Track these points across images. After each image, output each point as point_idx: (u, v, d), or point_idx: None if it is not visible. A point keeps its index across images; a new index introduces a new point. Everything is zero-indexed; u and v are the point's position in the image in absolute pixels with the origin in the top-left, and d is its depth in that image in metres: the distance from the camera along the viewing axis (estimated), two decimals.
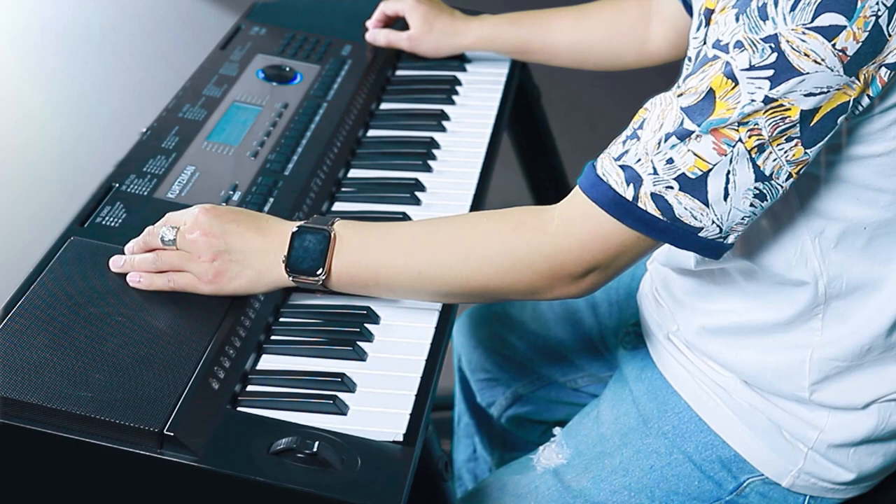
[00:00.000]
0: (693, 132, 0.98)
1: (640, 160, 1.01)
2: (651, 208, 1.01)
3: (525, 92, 1.80)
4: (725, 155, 0.98)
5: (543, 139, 1.92)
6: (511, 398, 1.64)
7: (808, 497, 1.21)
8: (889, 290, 1.11)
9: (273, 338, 1.14)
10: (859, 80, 0.97)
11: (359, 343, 1.12)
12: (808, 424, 1.17)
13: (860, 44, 0.94)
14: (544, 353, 1.58)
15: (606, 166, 1.04)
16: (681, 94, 1.00)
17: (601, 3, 1.58)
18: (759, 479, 1.20)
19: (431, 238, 1.13)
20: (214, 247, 1.10)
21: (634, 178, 1.01)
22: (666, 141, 1.00)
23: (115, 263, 1.13)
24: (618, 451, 1.25)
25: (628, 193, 1.02)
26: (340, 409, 1.04)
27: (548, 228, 1.07)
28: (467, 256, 1.10)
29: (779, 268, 1.12)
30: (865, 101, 1.00)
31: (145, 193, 1.26)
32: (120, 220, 1.21)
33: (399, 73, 1.66)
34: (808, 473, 1.19)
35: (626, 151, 1.03)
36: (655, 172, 1.00)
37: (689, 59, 1.12)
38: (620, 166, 1.02)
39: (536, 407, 1.63)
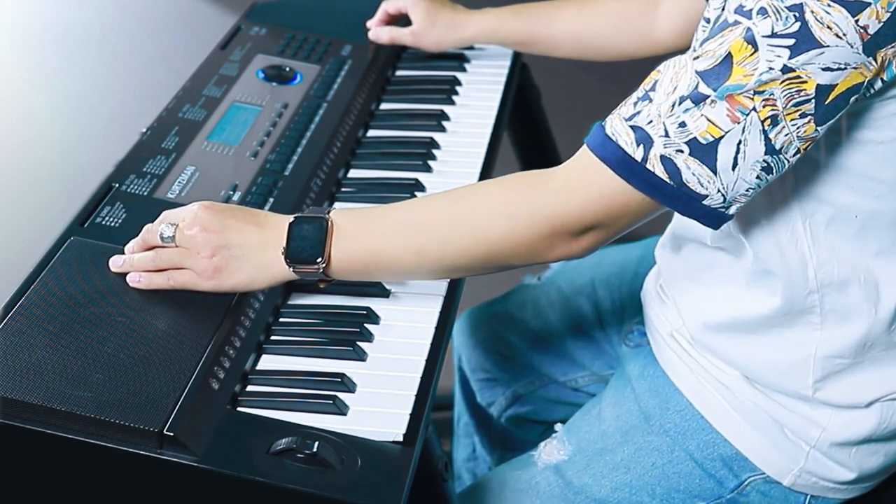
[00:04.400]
0: (708, 97, 0.98)
1: (651, 122, 1.01)
2: (659, 171, 1.01)
3: (525, 92, 1.80)
4: (738, 123, 0.98)
5: (543, 139, 1.92)
6: (511, 398, 1.64)
7: (808, 496, 1.21)
8: (885, 286, 1.11)
9: (273, 338, 1.14)
10: (876, 62, 0.97)
11: (359, 343, 1.12)
12: (810, 423, 1.17)
13: (881, 24, 0.94)
14: (545, 352, 1.58)
15: (616, 126, 1.03)
16: (697, 57, 1.00)
17: None
18: (760, 477, 1.20)
19: (428, 214, 1.13)
20: (214, 242, 1.10)
21: (645, 140, 1.01)
22: (680, 104, 0.99)
23: (115, 263, 1.13)
24: (619, 448, 1.25)
25: (638, 154, 1.02)
26: (340, 409, 1.04)
27: (549, 189, 1.07)
28: (466, 226, 1.10)
29: (771, 248, 1.12)
30: (878, 85, 1.00)
31: (145, 193, 1.26)
32: (120, 220, 1.21)
33: (399, 73, 1.66)
34: (810, 472, 1.19)
35: (638, 112, 1.02)
36: (667, 135, 1.00)
37: (707, 21, 1.11)
38: (631, 127, 1.02)
39: (536, 407, 1.63)
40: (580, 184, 1.05)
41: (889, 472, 1.24)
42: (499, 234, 1.09)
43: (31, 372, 0.99)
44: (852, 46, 0.95)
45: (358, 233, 1.12)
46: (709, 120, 0.99)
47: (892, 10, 0.94)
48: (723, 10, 1.05)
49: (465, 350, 1.68)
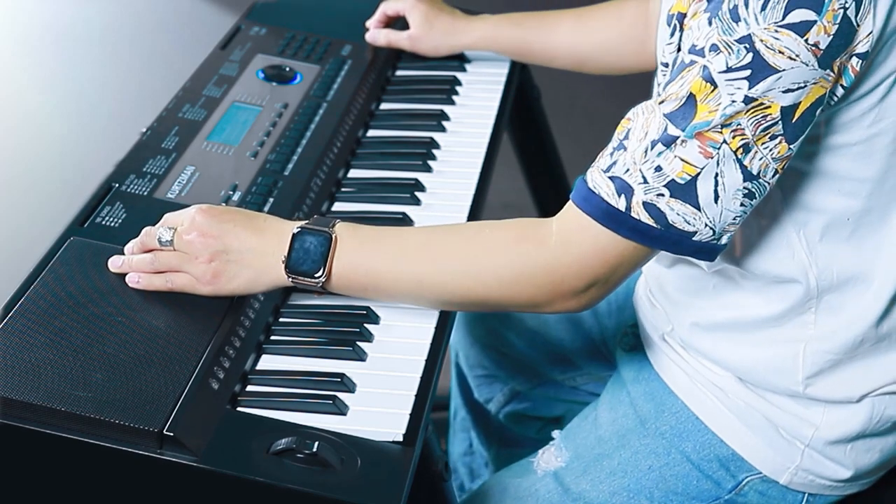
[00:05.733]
0: (678, 137, 0.99)
1: (628, 170, 1.02)
2: (644, 217, 1.02)
3: (525, 92, 1.80)
4: (712, 158, 0.99)
5: (543, 139, 1.92)
6: (509, 395, 1.64)
7: (806, 494, 1.21)
8: (877, 280, 1.12)
9: (273, 338, 1.14)
10: (833, 72, 0.98)
11: (359, 343, 1.12)
12: (803, 422, 1.17)
13: (831, 37, 0.95)
14: (543, 352, 1.58)
15: (597, 179, 1.04)
16: (662, 101, 1.01)
17: (602, 7, 1.58)
18: (757, 477, 1.20)
19: (434, 247, 1.13)
20: (212, 247, 1.10)
21: (625, 189, 1.02)
22: (652, 149, 1.00)
23: (114, 264, 1.13)
24: (616, 452, 1.25)
25: (621, 204, 1.02)
26: (340, 409, 1.04)
27: (547, 242, 1.07)
28: (469, 268, 1.10)
29: (769, 263, 1.12)
30: (840, 92, 1.01)
31: (145, 193, 1.26)
32: (120, 220, 1.21)
33: (399, 73, 1.66)
34: (806, 470, 1.19)
35: (615, 163, 1.03)
36: (645, 181, 1.01)
37: (665, 66, 1.12)
38: (610, 178, 1.03)
39: (534, 404, 1.64)
40: (573, 239, 1.06)
41: (886, 468, 1.24)
42: (500, 283, 1.09)
43: (31, 372, 0.99)
44: (808, 65, 0.96)
45: (361, 252, 1.12)
46: (682, 160, 0.99)
47: (838, 21, 0.95)
48: (678, 51, 1.06)
49: (463, 346, 1.68)
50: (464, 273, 1.10)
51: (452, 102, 1.58)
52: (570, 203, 1.07)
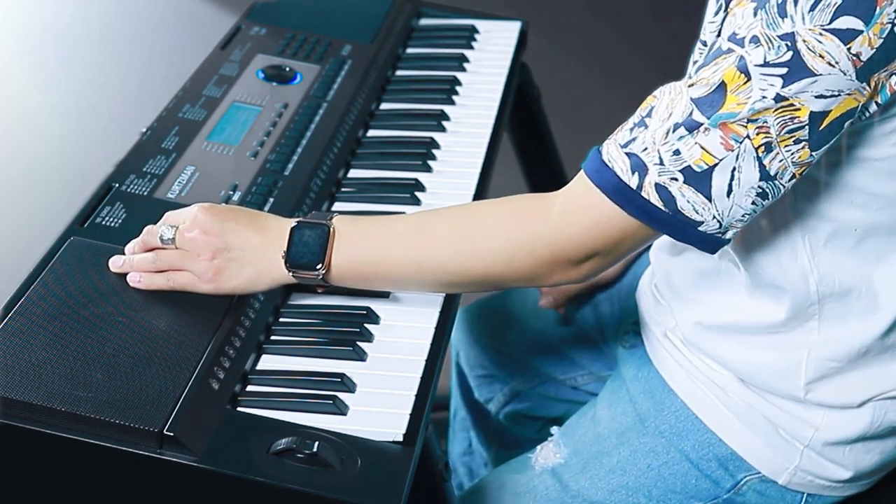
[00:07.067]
0: (702, 124, 0.98)
1: (646, 149, 1.01)
2: (654, 199, 1.01)
3: (525, 92, 1.80)
4: (732, 151, 0.98)
5: (543, 139, 1.92)
6: (509, 395, 1.64)
7: (805, 495, 1.21)
8: (884, 293, 1.11)
9: (273, 338, 1.14)
10: (869, 87, 0.97)
11: (359, 343, 1.12)
12: (803, 423, 1.17)
13: (874, 50, 0.94)
14: (544, 351, 1.58)
15: (612, 152, 1.04)
16: (692, 85, 1.00)
17: None
18: (756, 476, 1.20)
19: (431, 229, 1.13)
20: (213, 245, 1.10)
21: (640, 167, 1.01)
22: (674, 131, 1.00)
23: (115, 263, 1.13)
24: (615, 450, 1.25)
25: (633, 182, 1.02)
26: (340, 409, 1.05)
27: (548, 215, 1.07)
28: (467, 246, 1.10)
29: (771, 263, 1.12)
30: (873, 108, 1.00)
31: (145, 193, 1.26)
32: (120, 220, 1.21)
33: (399, 73, 1.66)
34: (805, 471, 1.19)
35: (634, 139, 1.02)
36: (661, 163, 1.00)
37: (703, 45, 1.12)
38: (626, 154, 1.02)
39: (534, 403, 1.64)
40: (578, 211, 1.06)
41: (886, 469, 1.24)
42: (499, 257, 1.09)
43: (31, 372, 0.99)
44: (845, 74, 0.95)
45: (359, 241, 1.12)
46: (702, 148, 0.99)
47: (884, 35, 0.94)
48: (718, 35, 1.05)
49: (464, 346, 1.68)
50: (462, 251, 1.10)
51: (452, 102, 1.58)
52: (580, 173, 1.07)
